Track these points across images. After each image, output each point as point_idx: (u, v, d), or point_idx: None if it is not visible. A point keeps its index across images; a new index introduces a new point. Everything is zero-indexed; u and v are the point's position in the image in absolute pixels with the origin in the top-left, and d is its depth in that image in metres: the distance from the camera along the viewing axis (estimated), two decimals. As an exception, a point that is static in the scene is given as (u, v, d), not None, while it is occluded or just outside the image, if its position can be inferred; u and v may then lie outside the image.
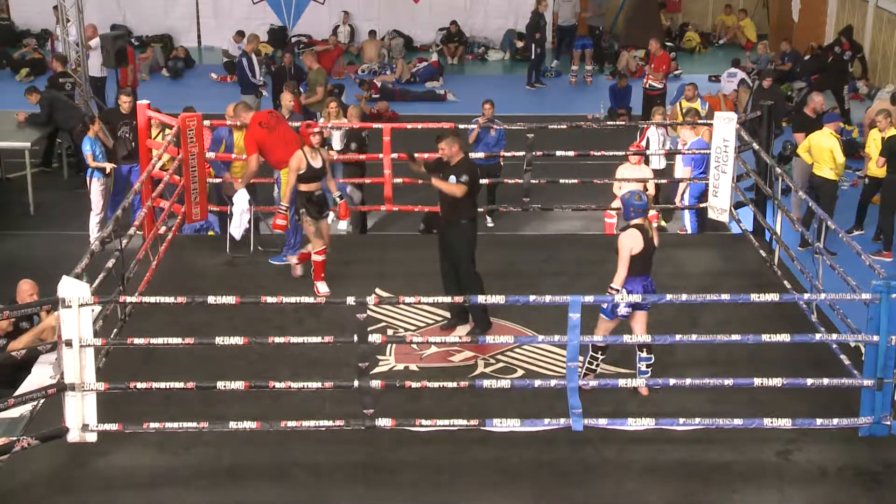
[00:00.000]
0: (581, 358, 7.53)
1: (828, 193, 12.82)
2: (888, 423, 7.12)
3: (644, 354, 7.67)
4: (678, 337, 7.29)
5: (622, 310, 7.57)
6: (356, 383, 7.06)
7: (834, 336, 7.90)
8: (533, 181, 10.79)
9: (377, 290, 9.33)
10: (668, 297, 7.23)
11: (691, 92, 15.02)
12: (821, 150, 12.70)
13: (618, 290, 7.53)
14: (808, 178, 13.17)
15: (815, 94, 14.27)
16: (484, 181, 12.06)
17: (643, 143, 13.58)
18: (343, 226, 13.42)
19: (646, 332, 7.69)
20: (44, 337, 9.03)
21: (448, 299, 7.89)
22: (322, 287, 9.38)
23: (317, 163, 9.37)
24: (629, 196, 7.66)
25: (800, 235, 12.13)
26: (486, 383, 7.25)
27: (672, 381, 7.18)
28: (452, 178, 8.49)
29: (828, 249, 9.54)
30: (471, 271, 8.65)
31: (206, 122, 10.65)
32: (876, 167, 12.79)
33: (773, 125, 11.21)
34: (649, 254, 7.61)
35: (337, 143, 12.79)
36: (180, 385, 7.03)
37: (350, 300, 6.99)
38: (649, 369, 7.67)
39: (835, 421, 7.15)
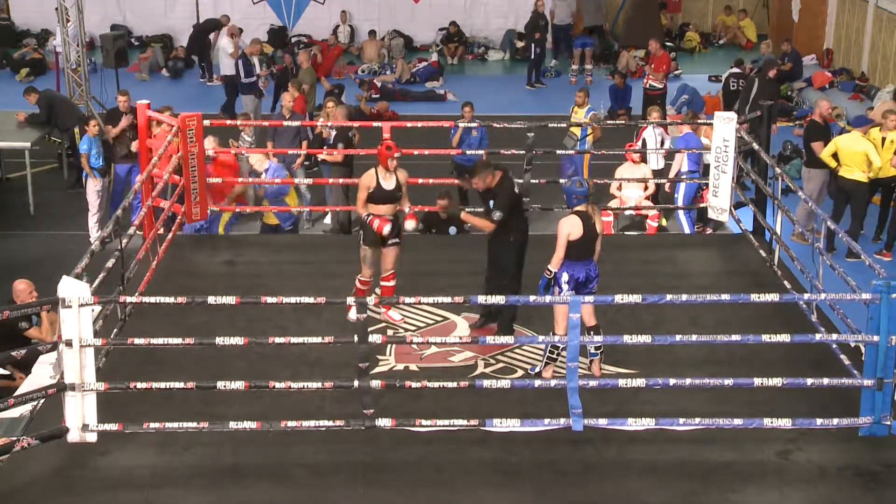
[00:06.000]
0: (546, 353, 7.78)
1: (859, 196, 12.79)
2: (888, 423, 7.12)
3: (593, 338, 7.76)
4: (678, 337, 7.29)
5: (565, 293, 7.80)
6: (356, 383, 7.06)
7: (834, 336, 7.89)
8: (533, 181, 10.78)
9: (377, 291, 9.32)
10: (668, 297, 7.23)
11: (581, 99, 14.88)
12: (853, 154, 12.60)
13: (552, 272, 7.84)
14: (832, 181, 13.17)
15: (821, 101, 14.22)
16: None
17: (639, 144, 13.64)
18: (328, 220, 13.54)
19: (593, 317, 7.96)
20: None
21: (448, 299, 7.88)
22: (351, 314, 8.55)
23: (389, 184, 8.66)
24: (570, 184, 7.97)
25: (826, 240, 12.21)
26: (486, 383, 7.25)
27: (672, 381, 7.17)
28: (492, 203, 8.48)
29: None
30: (508, 285, 8.57)
31: (207, 122, 10.64)
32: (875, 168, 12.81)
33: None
34: (590, 239, 7.87)
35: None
36: (180, 385, 7.03)
37: (350, 300, 6.99)
38: (598, 352, 7.97)
39: (835, 421, 7.15)
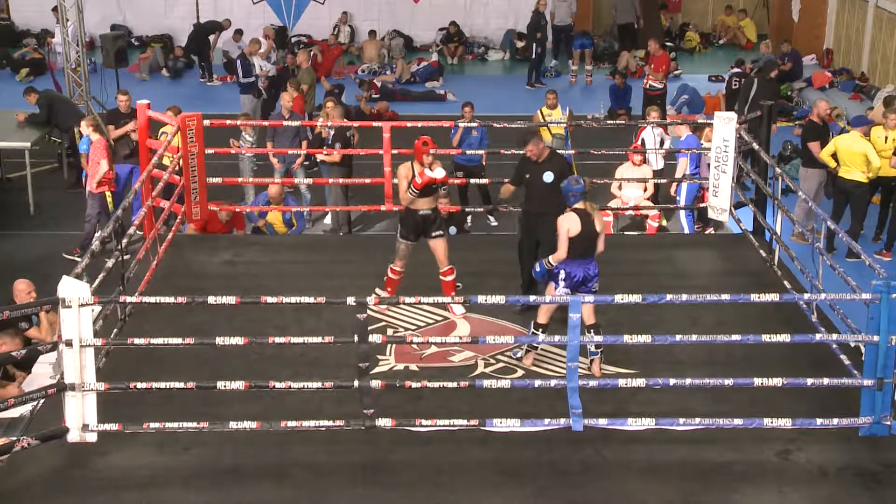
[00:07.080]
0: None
1: (859, 197, 12.79)
2: (888, 423, 7.11)
3: (593, 336, 7.80)
4: (678, 337, 7.29)
5: (560, 290, 7.86)
6: (356, 383, 7.05)
7: (834, 336, 7.90)
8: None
9: (377, 291, 9.32)
10: (668, 297, 7.23)
11: (552, 100, 14.88)
12: (852, 154, 12.60)
13: (552, 265, 7.93)
14: (832, 181, 13.16)
15: (820, 101, 14.21)
16: (484, 181, 12.31)
17: (638, 144, 13.65)
18: (328, 220, 13.57)
19: (593, 316, 8.02)
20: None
21: (448, 299, 7.89)
22: (380, 292, 9.11)
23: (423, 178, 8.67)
24: (567, 182, 7.99)
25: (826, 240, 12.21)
26: (486, 383, 7.25)
27: (672, 381, 7.18)
28: (548, 175, 8.64)
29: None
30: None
31: (207, 122, 10.64)
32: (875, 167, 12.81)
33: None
34: (589, 238, 7.89)
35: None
36: (180, 385, 7.02)
37: (350, 300, 6.99)
38: (598, 350, 7.98)
39: (835, 421, 7.14)
